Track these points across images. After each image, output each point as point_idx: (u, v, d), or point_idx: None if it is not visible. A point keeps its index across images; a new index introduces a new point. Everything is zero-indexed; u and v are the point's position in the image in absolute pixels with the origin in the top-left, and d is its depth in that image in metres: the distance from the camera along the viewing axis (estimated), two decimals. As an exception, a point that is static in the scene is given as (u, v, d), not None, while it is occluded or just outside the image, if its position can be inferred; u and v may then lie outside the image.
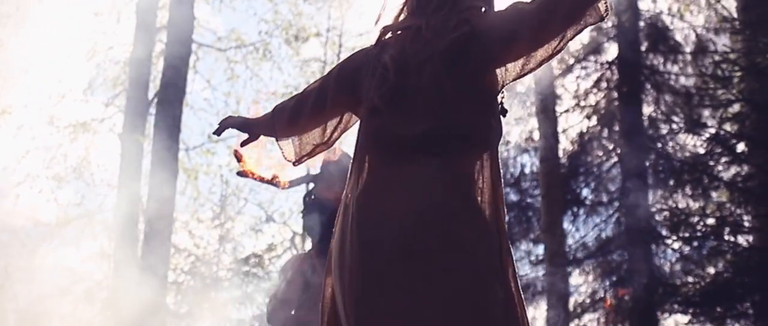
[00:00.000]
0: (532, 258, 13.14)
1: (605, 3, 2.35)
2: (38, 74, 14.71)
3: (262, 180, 3.47)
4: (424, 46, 2.45)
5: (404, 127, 2.38)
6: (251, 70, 14.71)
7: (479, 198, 2.39)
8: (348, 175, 2.52)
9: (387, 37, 2.59)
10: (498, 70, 2.45)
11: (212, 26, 22.04)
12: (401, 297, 2.26)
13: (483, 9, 2.53)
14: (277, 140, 2.73)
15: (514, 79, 2.47)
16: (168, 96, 11.96)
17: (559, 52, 2.41)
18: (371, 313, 2.29)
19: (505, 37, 2.38)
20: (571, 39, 2.39)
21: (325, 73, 2.73)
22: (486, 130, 2.42)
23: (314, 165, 5.93)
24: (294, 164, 2.73)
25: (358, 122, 2.59)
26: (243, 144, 2.82)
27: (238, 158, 3.20)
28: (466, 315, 2.23)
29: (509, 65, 2.44)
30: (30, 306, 15.10)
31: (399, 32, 2.57)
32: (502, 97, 2.50)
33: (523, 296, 2.41)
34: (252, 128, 2.78)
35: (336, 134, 2.71)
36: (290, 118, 2.69)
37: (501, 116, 2.48)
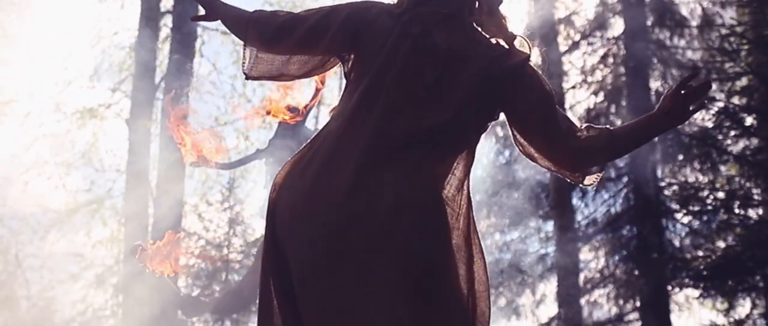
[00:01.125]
0: (542, 234, 13.17)
1: (596, 178, 2.45)
2: (44, 61, 14.74)
3: (201, 160, 3.52)
4: (465, 41, 2.39)
5: (426, 114, 2.30)
6: (257, 52, 14.69)
7: (446, 191, 2.35)
8: (322, 129, 2.39)
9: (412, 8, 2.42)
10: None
11: (216, 9, 22.08)
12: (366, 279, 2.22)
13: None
14: (245, 45, 2.48)
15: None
16: (174, 80, 11.95)
17: (533, 160, 2.47)
18: (330, 275, 2.24)
19: (525, 109, 2.38)
20: (543, 166, 2.47)
21: (330, 7, 2.46)
22: (474, 138, 2.41)
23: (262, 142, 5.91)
24: (247, 78, 2.50)
25: (355, 85, 2.39)
26: (192, 19, 2.63)
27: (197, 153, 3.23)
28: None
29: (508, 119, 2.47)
30: (41, 293, 15.20)
31: (431, 11, 2.41)
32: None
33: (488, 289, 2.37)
34: (215, 12, 2.54)
35: (311, 73, 2.53)
36: (273, 37, 2.46)
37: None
